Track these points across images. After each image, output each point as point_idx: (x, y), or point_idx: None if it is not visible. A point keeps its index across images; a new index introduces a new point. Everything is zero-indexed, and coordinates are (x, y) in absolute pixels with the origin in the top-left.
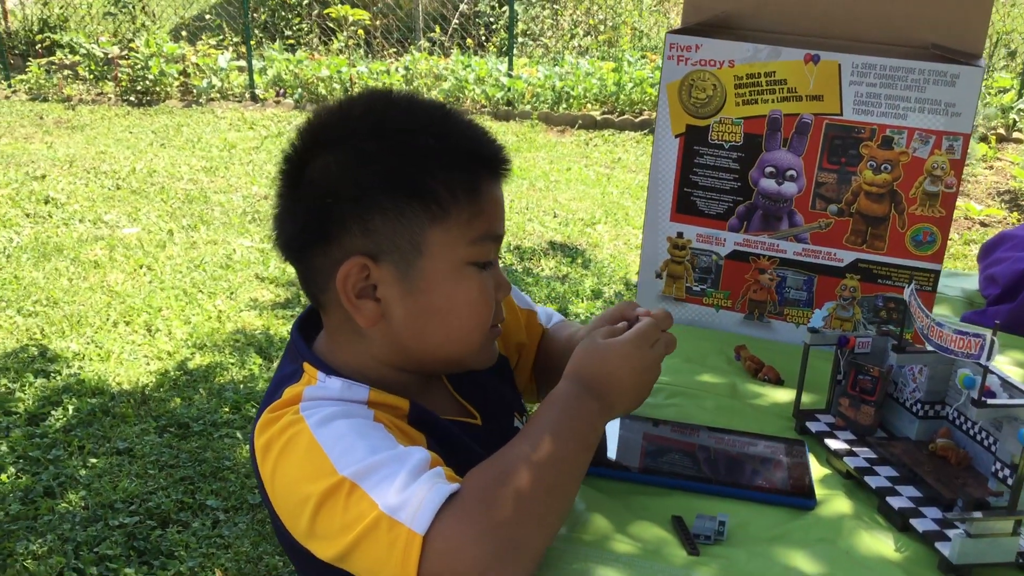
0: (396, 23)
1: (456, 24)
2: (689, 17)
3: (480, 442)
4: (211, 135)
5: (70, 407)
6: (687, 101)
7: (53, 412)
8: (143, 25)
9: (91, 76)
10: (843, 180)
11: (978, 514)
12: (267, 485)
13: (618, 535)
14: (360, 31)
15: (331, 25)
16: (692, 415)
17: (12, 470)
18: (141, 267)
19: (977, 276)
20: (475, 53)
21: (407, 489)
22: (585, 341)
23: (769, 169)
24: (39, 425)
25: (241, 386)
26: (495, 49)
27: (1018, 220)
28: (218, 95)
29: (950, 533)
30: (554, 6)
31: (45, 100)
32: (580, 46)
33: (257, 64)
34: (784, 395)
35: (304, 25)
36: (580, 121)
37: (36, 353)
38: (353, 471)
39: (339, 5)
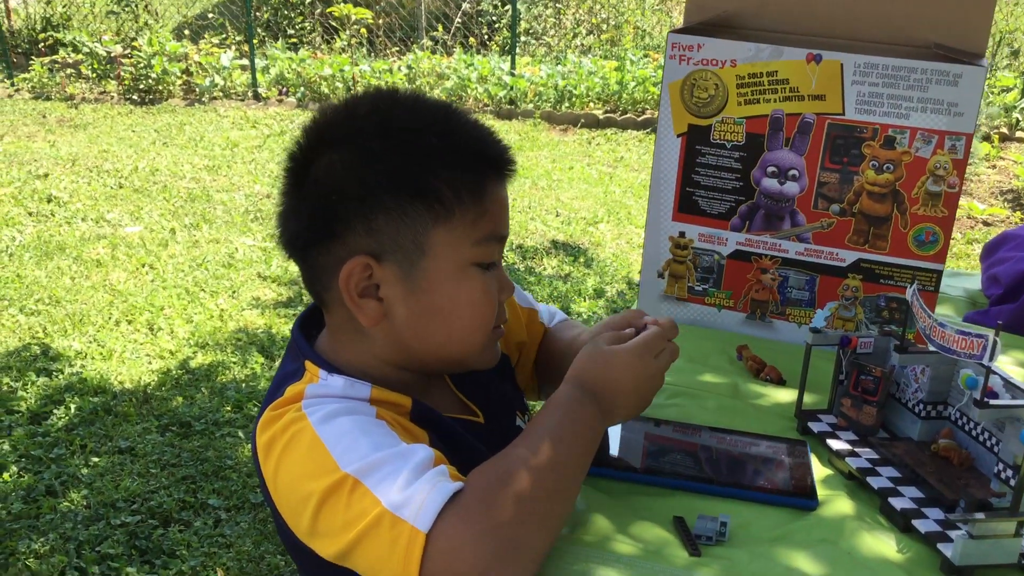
0: (399, 22)
1: (459, 23)
2: (691, 16)
3: (483, 440)
4: (214, 134)
5: (72, 406)
6: (689, 101)
7: (55, 411)
8: (146, 24)
9: (94, 75)
10: (845, 180)
11: (980, 515)
12: (269, 483)
13: (619, 536)
14: (363, 30)
15: (334, 24)
16: (694, 415)
17: (14, 469)
18: (143, 266)
19: (980, 276)
20: (478, 52)
21: (410, 487)
22: (589, 346)
23: (771, 169)
24: (41, 424)
25: (243, 385)
26: (498, 48)
27: (1021, 219)
28: (221, 94)
29: (952, 534)
30: (557, 5)
31: (48, 99)
32: (583, 45)
33: (260, 63)
34: (786, 395)
35: (307, 24)
36: (582, 120)
37: (38, 352)
38: (356, 468)
39: (342, 4)
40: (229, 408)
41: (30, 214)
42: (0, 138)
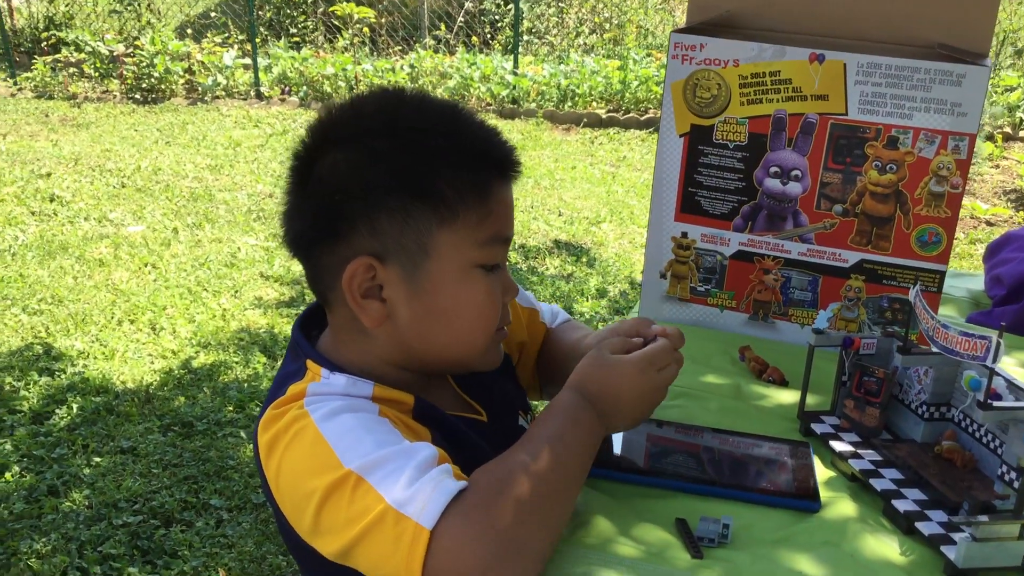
0: (401, 21)
1: (461, 22)
2: (693, 16)
3: (486, 438)
4: (216, 133)
5: (74, 405)
6: (691, 100)
7: (57, 410)
8: (148, 23)
9: (96, 74)
10: (848, 180)
11: (984, 518)
12: (271, 481)
13: (621, 538)
14: (365, 29)
15: (336, 23)
16: (696, 416)
17: (16, 469)
18: (146, 265)
19: (983, 276)
20: (480, 51)
21: (414, 484)
22: (593, 352)
23: (774, 169)
24: (43, 423)
25: (245, 385)
26: (500, 47)
27: None
28: (223, 93)
29: (956, 537)
30: (559, 4)
31: (51, 98)
32: (585, 44)
33: (262, 62)
34: (788, 396)
35: (309, 23)
36: (585, 119)
37: (41, 351)
38: (359, 465)
39: (344, 3)
40: (231, 408)
41: (33, 213)
42: (3, 137)
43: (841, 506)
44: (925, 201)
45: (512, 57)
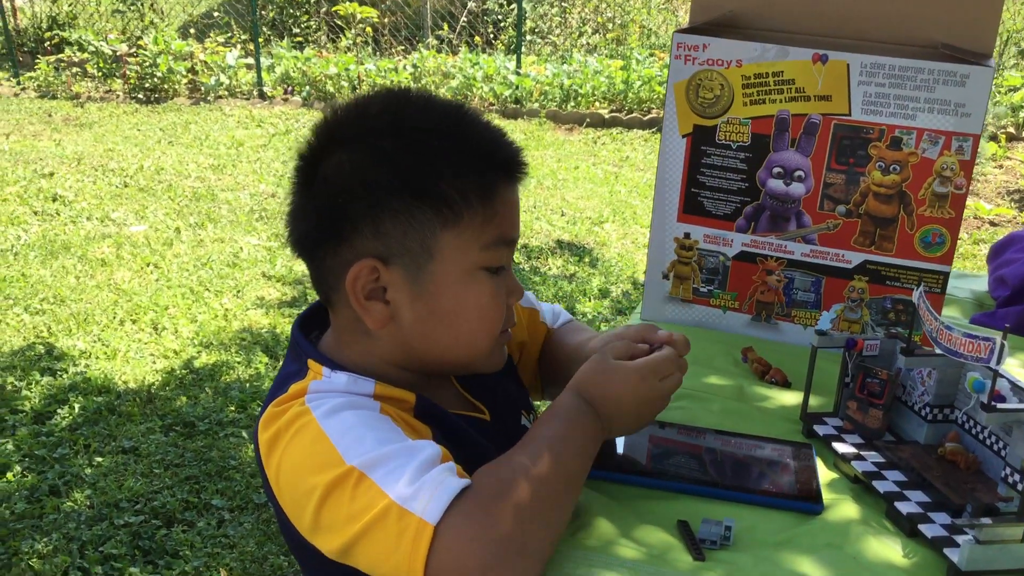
0: (404, 21)
1: (464, 22)
2: (696, 16)
3: (488, 437)
4: (219, 133)
5: (76, 405)
6: (694, 101)
7: (59, 410)
8: (151, 23)
9: (99, 73)
10: (851, 181)
11: (987, 520)
12: (272, 479)
13: (623, 540)
14: (368, 29)
15: (339, 23)
16: (698, 417)
17: (18, 468)
18: (148, 265)
19: (986, 277)
20: (483, 51)
21: (418, 481)
22: (596, 356)
23: (777, 170)
24: (45, 423)
25: (247, 385)
26: (503, 47)
27: None
28: (226, 92)
29: (959, 539)
30: (562, 4)
31: (54, 97)
32: (588, 44)
33: (265, 62)
34: (791, 398)
35: (312, 23)
36: (588, 119)
37: (43, 351)
38: (361, 461)
39: (347, 3)
40: (233, 408)
41: (35, 213)
42: (6, 137)
43: (844, 508)
44: (929, 202)
45: (515, 57)
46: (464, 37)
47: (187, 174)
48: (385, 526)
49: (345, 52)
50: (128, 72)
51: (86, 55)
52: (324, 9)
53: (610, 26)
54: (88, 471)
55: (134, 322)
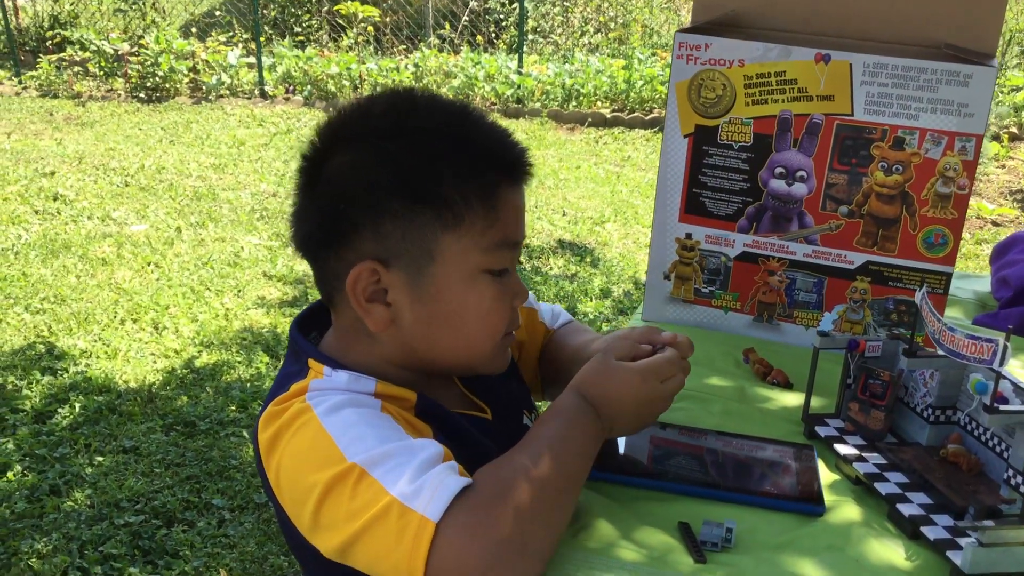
0: (406, 20)
1: (466, 21)
2: (698, 16)
3: (490, 436)
4: (220, 132)
5: (77, 405)
6: (696, 101)
7: (60, 410)
8: (153, 22)
9: (101, 73)
10: (854, 181)
11: (990, 522)
12: (273, 477)
13: (624, 542)
14: (370, 28)
15: (341, 22)
16: (700, 419)
17: (18, 468)
18: (149, 264)
19: (989, 278)
20: (485, 50)
21: (419, 479)
22: (599, 356)
23: (779, 170)
24: (46, 423)
25: (248, 384)
26: (505, 46)
27: None
28: (227, 92)
29: (962, 542)
30: (564, 3)
31: (55, 96)
32: (590, 43)
33: (267, 61)
34: (793, 399)
35: (314, 22)
36: (590, 119)
37: (43, 350)
38: (363, 459)
39: (349, 2)
40: (234, 408)
41: (36, 212)
42: (7, 136)
43: (845, 510)
44: (931, 202)
45: (516, 56)
46: (466, 36)
47: (188, 173)
48: (386, 523)
49: (347, 51)
50: (129, 71)
51: (88, 54)
52: (326, 8)
53: (612, 25)
54: (88, 471)
55: (135, 321)
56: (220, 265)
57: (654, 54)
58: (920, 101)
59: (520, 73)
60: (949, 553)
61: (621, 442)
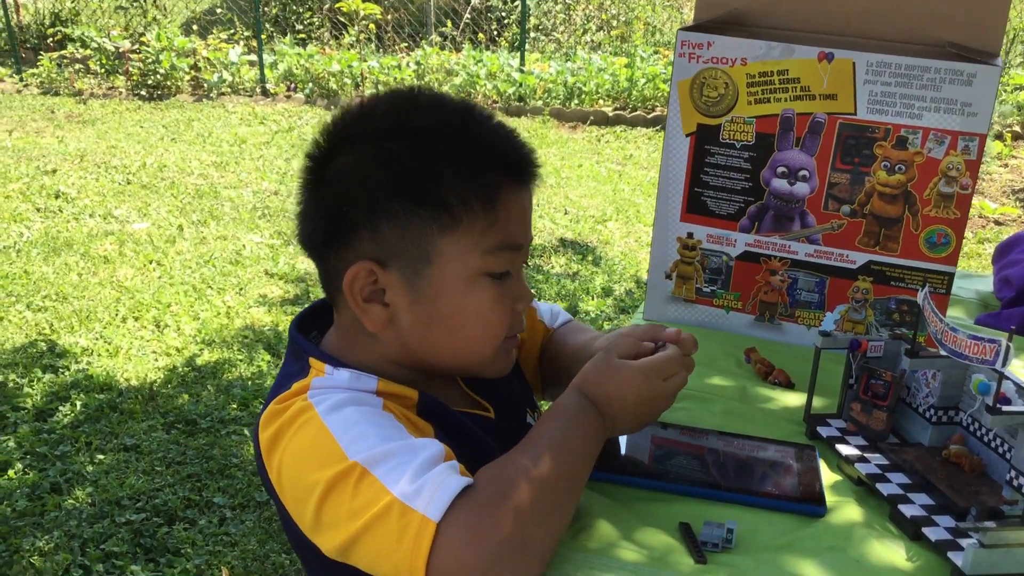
0: (407, 17)
1: (468, 19)
2: (701, 14)
3: (493, 435)
4: (221, 130)
5: (78, 403)
6: (698, 99)
7: (61, 408)
8: (154, 19)
9: (102, 70)
10: (856, 181)
11: (992, 524)
12: (274, 475)
13: (624, 542)
14: (371, 25)
15: (342, 19)
16: (701, 419)
17: (19, 466)
18: (150, 262)
19: (991, 278)
20: (487, 48)
21: (421, 478)
22: (601, 355)
23: (781, 169)
24: (47, 421)
25: (249, 383)
26: (507, 44)
27: None
28: (229, 89)
29: (963, 543)
30: (566, 1)
31: (56, 94)
32: (592, 41)
33: (268, 59)
34: (795, 399)
35: (315, 19)
36: (592, 117)
37: (45, 348)
38: (364, 457)
39: None
40: (235, 406)
41: (38, 210)
42: (9, 133)
43: (847, 511)
44: (934, 202)
45: (518, 54)
46: (468, 34)
47: (190, 171)
48: (387, 523)
49: (348, 49)
50: (131, 69)
51: (89, 52)
52: (327, 6)
53: (614, 23)
54: (89, 469)
55: (136, 319)
56: (222, 263)
57: (656, 52)
58: (923, 100)
59: (522, 71)
60: (950, 554)
61: (622, 444)
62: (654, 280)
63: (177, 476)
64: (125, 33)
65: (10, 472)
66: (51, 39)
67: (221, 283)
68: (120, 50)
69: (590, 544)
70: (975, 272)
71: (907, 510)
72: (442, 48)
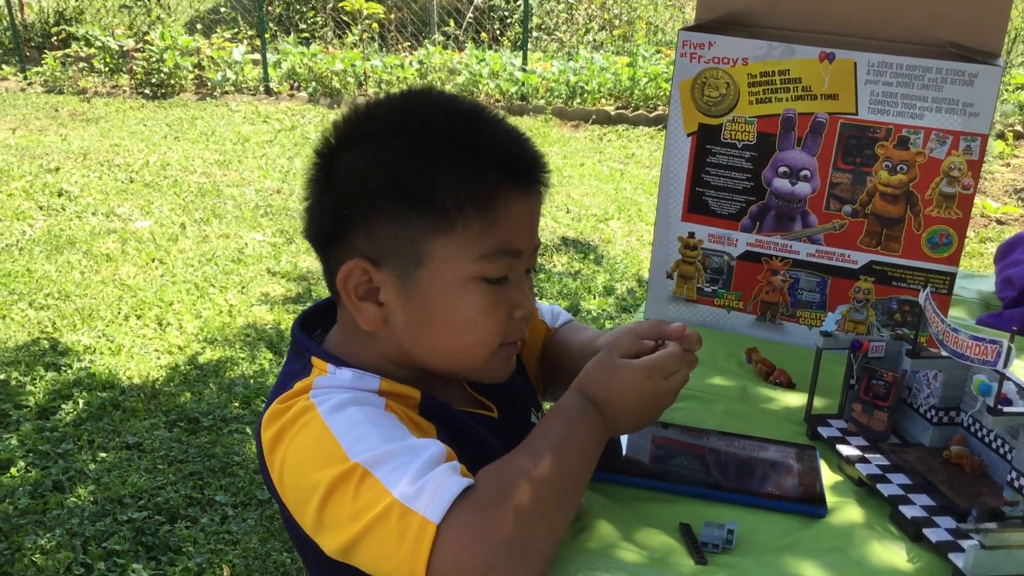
0: (410, 17)
1: (470, 18)
2: (702, 14)
3: (496, 435)
4: (225, 128)
5: (80, 401)
6: (700, 99)
7: (63, 406)
8: (158, 18)
9: (106, 69)
10: (858, 180)
11: (993, 525)
12: (276, 475)
13: (624, 543)
14: (374, 25)
15: (345, 19)
16: (702, 419)
17: (22, 464)
18: (153, 261)
19: (993, 277)
20: (489, 47)
21: (422, 479)
22: (601, 355)
23: (783, 169)
24: (49, 419)
25: (251, 381)
26: (509, 43)
27: None
28: (232, 88)
29: (964, 544)
30: (569, 0)
31: (60, 92)
32: (595, 40)
33: (271, 57)
34: (796, 399)
35: (318, 18)
36: (594, 116)
37: (47, 346)
38: (366, 458)
39: None
40: (237, 404)
41: (41, 208)
42: (12, 131)
43: (848, 511)
44: (936, 202)
45: (521, 53)
46: (470, 33)
47: (193, 169)
48: (387, 524)
49: (351, 48)
50: (134, 67)
51: (93, 50)
52: (330, 5)
53: (616, 23)
54: (92, 467)
55: (139, 318)
56: (224, 261)
57: (658, 51)
58: (925, 100)
59: (524, 70)
60: (951, 555)
61: (624, 442)
62: (655, 280)
63: (179, 474)
64: (129, 32)
65: (12, 470)
66: (55, 37)
67: (223, 281)
68: (124, 49)
69: (590, 545)
70: (977, 272)
71: (908, 511)
72: (445, 47)
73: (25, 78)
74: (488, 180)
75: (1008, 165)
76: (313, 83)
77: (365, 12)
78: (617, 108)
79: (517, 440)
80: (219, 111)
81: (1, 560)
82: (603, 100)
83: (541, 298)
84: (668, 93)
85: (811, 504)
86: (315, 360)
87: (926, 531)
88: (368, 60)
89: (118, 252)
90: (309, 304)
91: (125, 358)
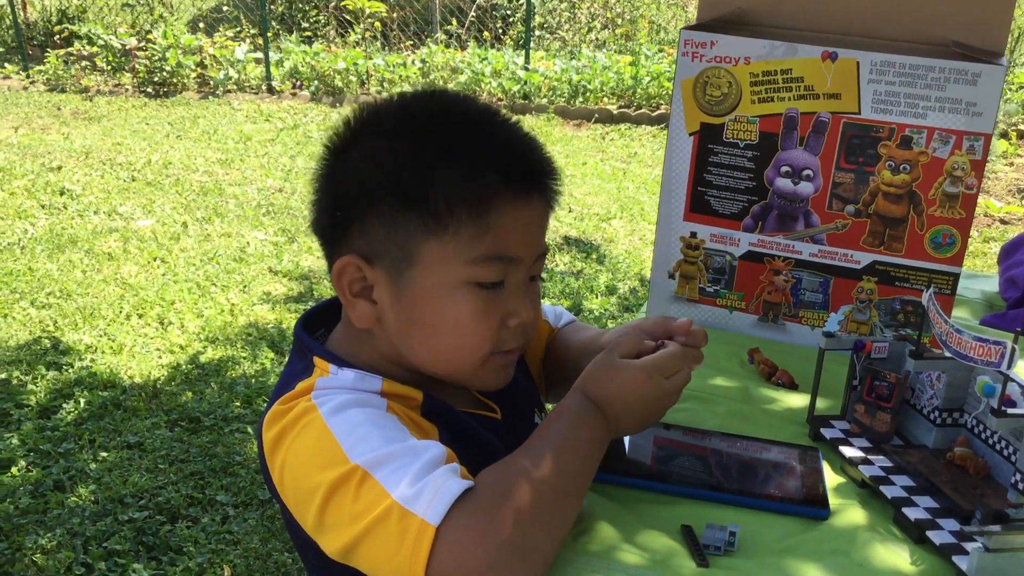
0: (413, 15)
1: (473, 17)
2: (705, 13)
3: (499, 436)
4: (227, 127)
5: (81, 400)
6: (702, 98)
7: (64, 405)
8: (161, 16)
9: (109, 67)
10: (861, 180)
11: (997, 527)
12: (276, 476)
13: (625, 545)
14: (377, 23)
15: (348, 17)
16: (704, 419)
17: (23, 463)
18: (155, 259)
19: (997, 278)
20: (492, 46)
21: (420, 481)
22: (603, 355)
23: (785, 168)
24: (50, 418)
25: (253, 380)
26: (512, 42)
27: None
28: (235, 87)
29: (968, 546)
30: None
31: (63, 91)
32: (597, 39)
33: (274, 56)
34: (798, 400)
35: (321, 17)
36: (596, 115)
37: (48, 345)
38: (366, 460)
39: None
40: (238, 404)
41: (43, 207)
42: (15, 130)
43: (850, 513)
44: (939, 202)
45: (523, 52)
46: (473, 32)
47: (195, 168)
48: (387, 526)
49: (354, 47)
50: (137, 66)
51: (95, 49)
52: (333, 4)
53: (619, 21)
54: (93, 466)
55: (140, 317)
56: (226, 260)
57: (661, 50)
58: (928, 100)
59: (527, 69)
60: (955, 558)
61: (626, 444)
62: (657, 279)
63: (180, 474)
64: (132, 30)
65: (13, 469)
66: (58, 36)
67: (225, 280)
68: (126, 47)
69: (591, 546)
70: (980, 272)
71: (911, 513)
72: (447, 46)
73: (28, 77)
74: (485, 183)
75: (1012, 165)
76: (315, 82)
77: (368, 11)
78: (619, 107)
79: (520, 441)
80: (221, 110)
81: (2, 560)
82: (605, 99)
83: (543, 298)
84: (671, 92)
85: (814, 506)
86: (317, 360)
87: (929, 533)
88: (370, 59)
89: (120, 251)
90: (311, 303)
91: (126, 357)
